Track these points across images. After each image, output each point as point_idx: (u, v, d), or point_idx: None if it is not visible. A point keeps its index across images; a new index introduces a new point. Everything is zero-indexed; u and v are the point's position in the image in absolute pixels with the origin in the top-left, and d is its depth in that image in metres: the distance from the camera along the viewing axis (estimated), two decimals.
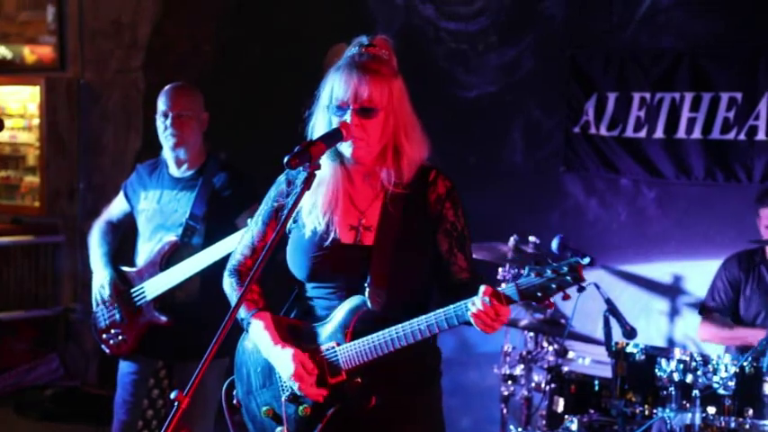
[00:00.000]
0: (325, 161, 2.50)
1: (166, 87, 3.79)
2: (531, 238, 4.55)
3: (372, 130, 2.48)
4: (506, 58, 5.31)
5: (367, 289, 2.49)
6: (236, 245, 2.77)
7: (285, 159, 2.33)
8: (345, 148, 2.51)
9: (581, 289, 2.30)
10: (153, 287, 3.65)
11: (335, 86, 2.49)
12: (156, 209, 3.75)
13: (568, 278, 2.28)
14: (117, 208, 3.95)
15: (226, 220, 3.58)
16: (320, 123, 2.53)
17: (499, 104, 5.35)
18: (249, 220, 2.75)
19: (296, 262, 2.59)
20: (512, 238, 4.50)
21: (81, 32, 6.27)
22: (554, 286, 2.29)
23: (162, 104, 3.72)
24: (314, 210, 2.54)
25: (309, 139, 2.52)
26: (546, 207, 5.22)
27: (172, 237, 3.65)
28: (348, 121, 2.46)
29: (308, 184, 2.37)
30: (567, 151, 5.15)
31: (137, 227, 3.84)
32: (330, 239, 2.52)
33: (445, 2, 5.46)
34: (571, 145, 5.13)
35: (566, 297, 2.32)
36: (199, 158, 3.76)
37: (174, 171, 3.78)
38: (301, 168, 2.38)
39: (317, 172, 2.40)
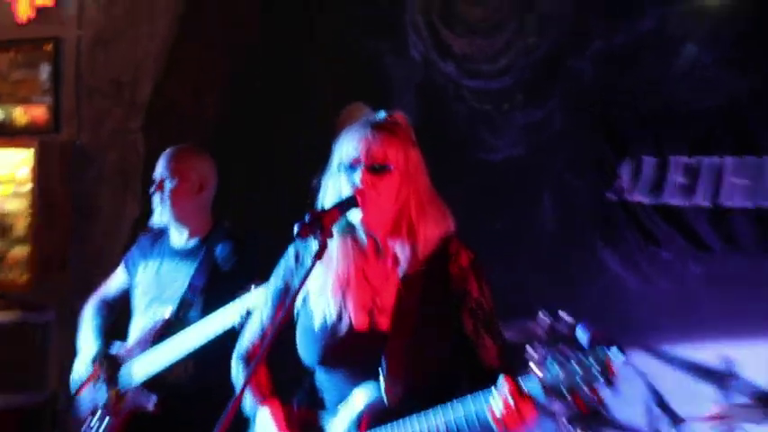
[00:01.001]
0: (335, 235, 2.37)
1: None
2: (564, 316, 4.28)
3: (385, 190, 2.38)
4: (533, 118, 5.16)
5: (382, 381, 2.35)
6: (237, 322, 2.77)
7: (295, 229, 2.25)
8: (355, 215, 2.38)
9: (610, 384, 2.05)
10: (141, 369, 3.45)
11: (347, 144, 2.42)
12: (153, 280, 3.59)
13: (595, 373, 2.04)
14: (114, 283, 3.83)
15: (227, 294, 3.32)
16: (331, 190, 2.44)
17: (526, 167, 5.16)
18: (253, 287, 2.70)
19: (305, 348, 2.49)
20: (543, 315, 4.20)
21: (77, 91, 6.10)
22: (581, 382, 2.05)
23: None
24: (323, 292, 2.44)
25: (321, 207, 2.43)
26: (580, 278, 4.98)
27: (166, 312, 3.46)
28: (359, 179, 2.36)
29: (319, 255, 2.27)
30: (603, 223, 4.93)
31: (132, 304, 3.67)
32: (342, 326, 2.41)
33: (467, 59, 5.32)
34: (606, 215, 4.91)
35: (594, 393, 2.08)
36: (202, 227, 3.61)
37: (177, 240, 3.62)
38: (312, 237, 2.28)
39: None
